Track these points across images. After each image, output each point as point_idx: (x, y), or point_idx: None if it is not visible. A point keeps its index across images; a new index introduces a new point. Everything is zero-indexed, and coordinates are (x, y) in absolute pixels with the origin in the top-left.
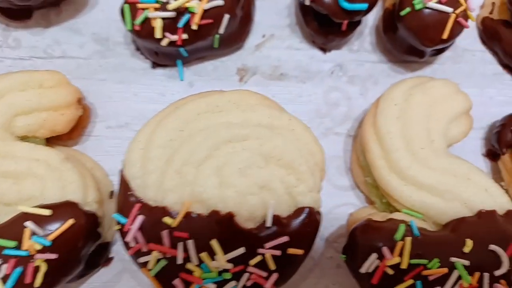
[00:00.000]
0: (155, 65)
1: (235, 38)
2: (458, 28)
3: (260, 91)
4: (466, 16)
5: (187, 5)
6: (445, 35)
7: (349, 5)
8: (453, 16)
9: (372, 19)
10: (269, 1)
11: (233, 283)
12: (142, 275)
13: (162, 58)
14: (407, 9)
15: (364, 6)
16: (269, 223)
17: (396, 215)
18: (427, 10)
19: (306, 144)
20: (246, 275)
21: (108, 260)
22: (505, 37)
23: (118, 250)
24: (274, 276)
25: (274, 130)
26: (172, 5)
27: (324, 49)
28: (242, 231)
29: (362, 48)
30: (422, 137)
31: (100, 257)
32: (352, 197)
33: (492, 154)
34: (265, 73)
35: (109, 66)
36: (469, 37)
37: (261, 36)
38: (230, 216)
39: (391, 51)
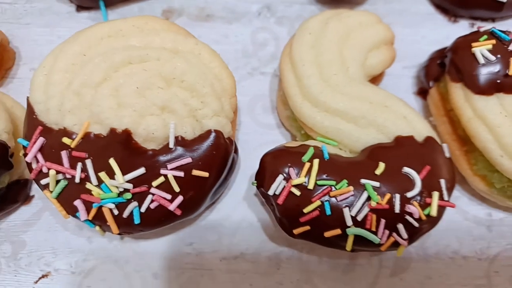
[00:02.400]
0: (80, 8)
1: None
2: None
3: None
4: None
5: None
6: None
7: None
8: None
9: None
10: None
11: (134, 203)
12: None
13: (85, 0)
14: None
15: None
16: (171, 144)
17: (311, 142)
18: None
19: (213, 68)
20: (149, 197)
21: (29, 199)
22: None
23: (39, 189)
24: (179, 198)
25: (179, 53)
26: None
27: None
28: (142, 151)
29: None
30: (336, 64)
31: (19, 194)
32: (278, 135)
33: (423, 92)
34: (191, 15)
35: (35, 10)
36: None
37: None
38: (126, 134)
39: None
